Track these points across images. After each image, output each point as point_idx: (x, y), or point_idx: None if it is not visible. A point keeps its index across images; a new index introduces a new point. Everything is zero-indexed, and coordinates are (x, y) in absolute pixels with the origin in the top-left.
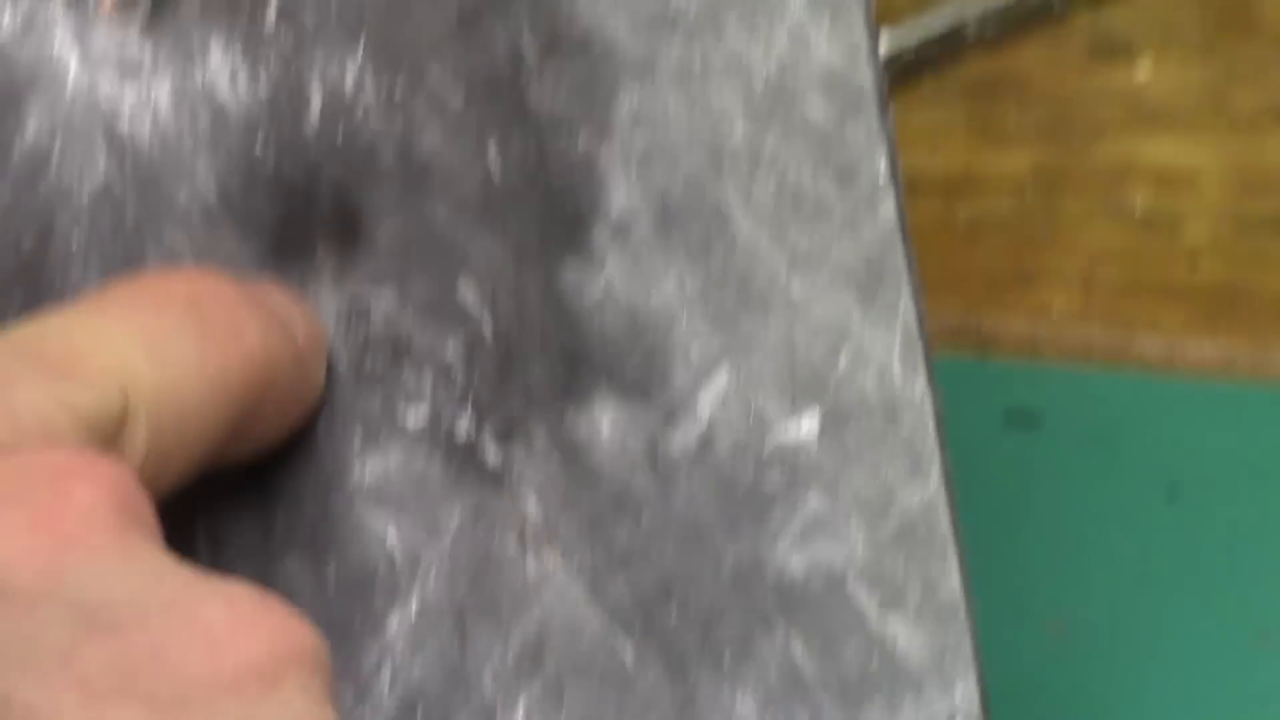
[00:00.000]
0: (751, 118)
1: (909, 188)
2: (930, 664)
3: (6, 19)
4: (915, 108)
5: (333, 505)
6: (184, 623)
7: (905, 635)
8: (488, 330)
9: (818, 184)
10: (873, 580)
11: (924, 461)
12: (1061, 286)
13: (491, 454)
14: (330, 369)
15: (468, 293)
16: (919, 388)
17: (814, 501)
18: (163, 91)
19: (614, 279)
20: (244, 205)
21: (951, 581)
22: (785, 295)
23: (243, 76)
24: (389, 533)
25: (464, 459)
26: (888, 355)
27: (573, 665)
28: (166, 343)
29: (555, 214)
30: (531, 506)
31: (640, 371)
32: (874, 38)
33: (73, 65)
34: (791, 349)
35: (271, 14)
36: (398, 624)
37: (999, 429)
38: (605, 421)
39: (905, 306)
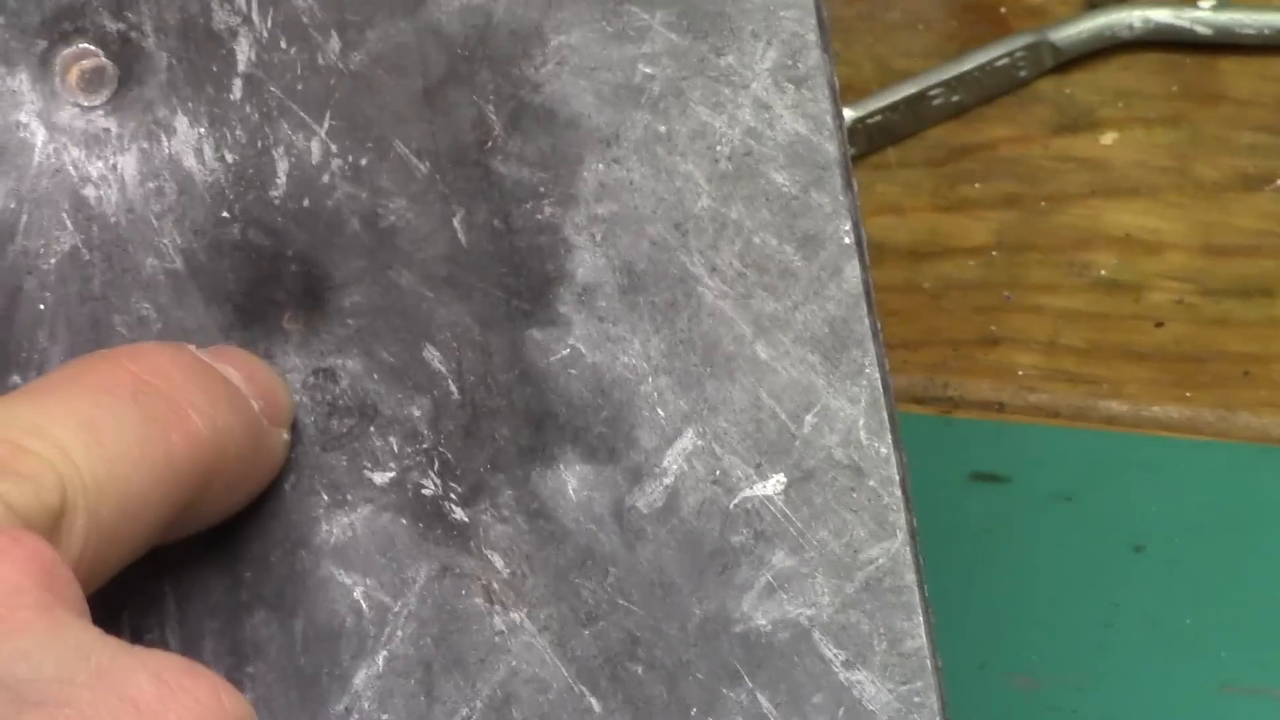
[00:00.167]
0: (717, 186)
1: (875, 253)
2: (897, 717)
3: None
4: (881, 175)
5: (300, 562)
6: (112, 696)
7: (872, 689)
8: (454, 393)
9: (783, 250)
10: (839, 635)
11: (889, 519)
12: (1026, 349)
13: (458, 512)
14: (296, 430)
15: (434, 357)
16: (884, 448)
17: (780, 558)
18: (129, 160)
19: (580, 343)
20: (210, 272)
21: (917, 636)
22: (751, 359)
23: (209, 146)
24: (356, 589)
25: (431, 517)
26: (853, 417)
27: (540, 719)
28: (108, 432)
29: (521, 280)
30: (498, 563)
31: (606, 433)
32: (838, 106)
33: (40, 135)
34: (758, 411)
35: (238, 87)
36: (365, 678)
37: (965, 487)
38: (571, 481)
39: (870, 369)
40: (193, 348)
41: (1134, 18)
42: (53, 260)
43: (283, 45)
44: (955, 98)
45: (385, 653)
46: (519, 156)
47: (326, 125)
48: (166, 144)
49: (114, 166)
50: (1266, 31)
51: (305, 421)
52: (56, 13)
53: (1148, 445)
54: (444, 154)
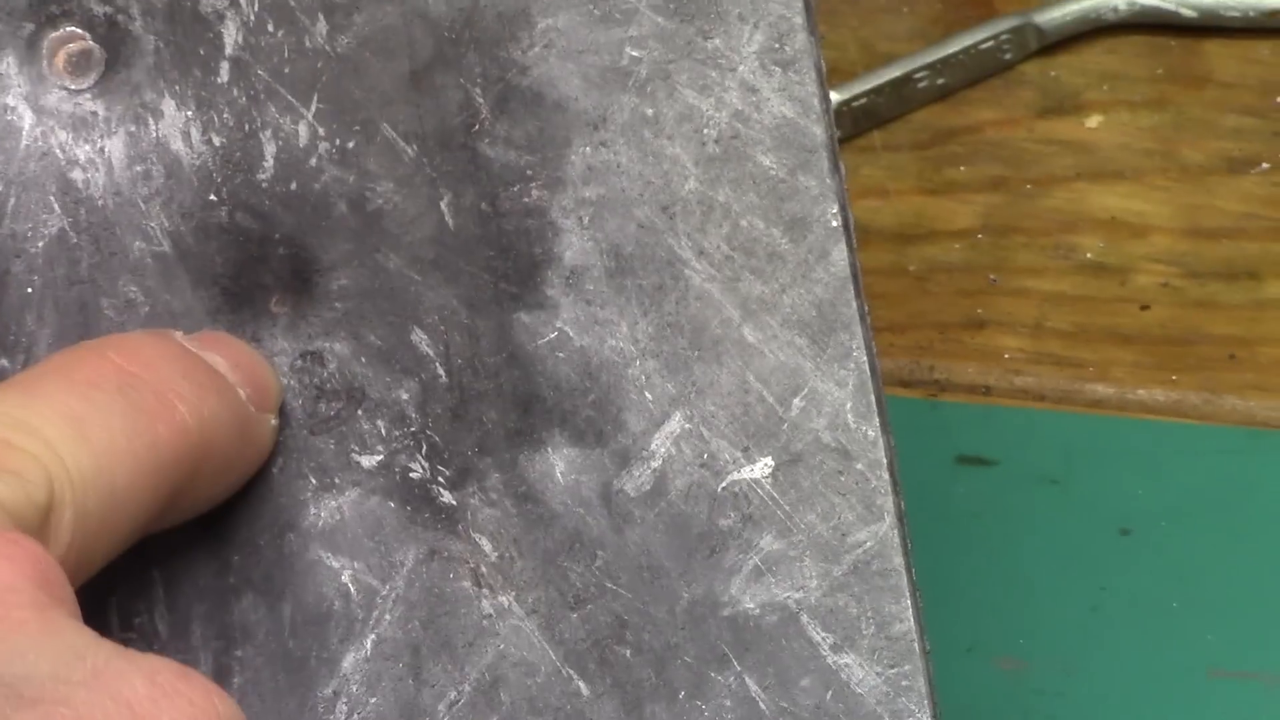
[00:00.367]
0: (704, 169)
1: (860, 236)
2: (885, 700)
3: None
4: (866, 158)
5: (288, 545)
6: (107, 696)
7: (860, 672)
8: (441, 376)
9: (770, 233)
10: (827, 618)
11: (877, 503)
12: (1012, 332)
13: (446, 495)
14: (284, 415)
15: (421, 340)
16: (872, 431)
17: (768, 541)
18: (117, 143)
19: (567, 326)
20: (198, 255)
21: (905, 619)
22: (739, 342)
23: (196, 129)
24: (344, 572)
25: (419, 500)
26: (841, 400)
27: (528, 702)
28: (94, 426)
29: (509, 263)
30: (486, 547)
31: (594, 416)
32: (824, 89)
33: (27, 118)
34: (745, 394)
35: (225, 70)
36: (353, 661)
37: (951, 471)
38: (559, 464)
39: (858, 352)
40: (179, 335)
41: (1119, 0)
42: (40, 243)
43: (270, 28)
44: (940, 80)
45: (373, 636)
46: (506, 139)
47: (314, 108)
48: (154, 127)
49: (101, 150)
50: (1251, 14)
51: (293, 405)
52: None
53: (1134, 428)
54: (431, 137)
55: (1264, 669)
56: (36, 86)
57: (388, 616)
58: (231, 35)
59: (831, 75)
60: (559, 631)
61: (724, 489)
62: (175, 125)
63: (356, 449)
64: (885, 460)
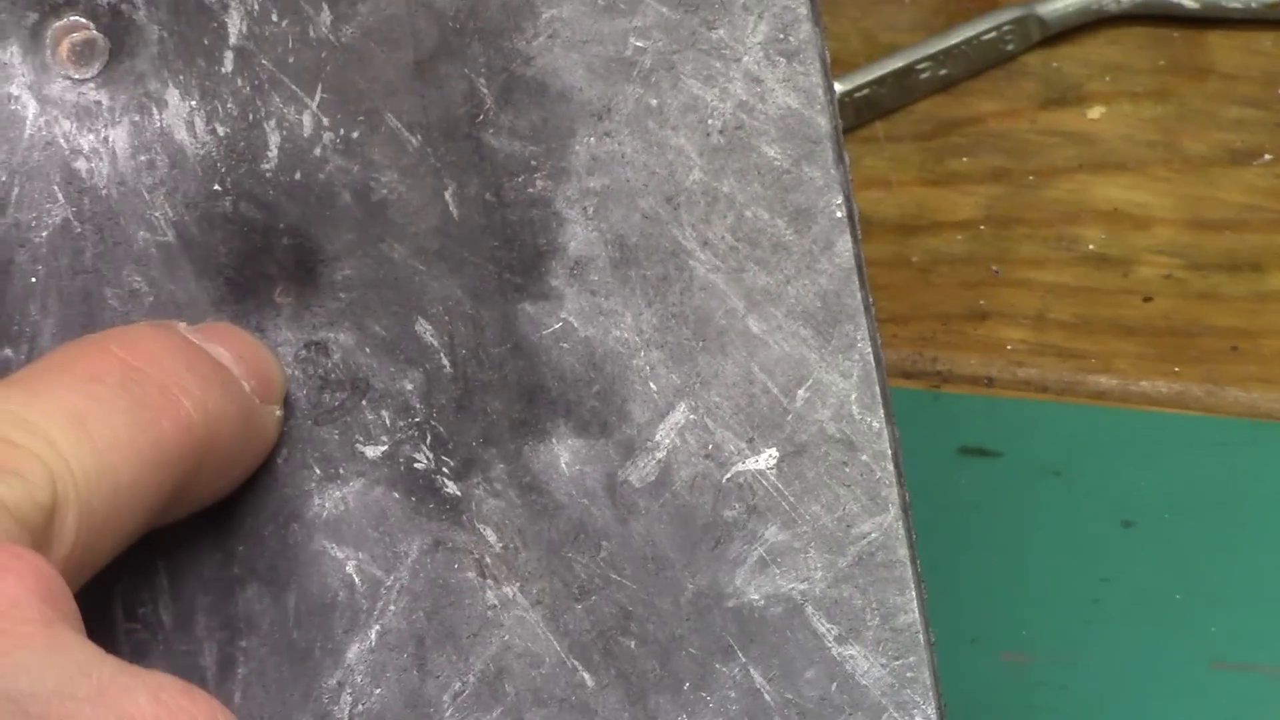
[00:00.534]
0: (708, 159)
1: (863, 227)
2: (890, 691)
3: None
4: (869, 149)
5: (292, 536)
6: (112, 713)
7: (865, 664)
8: (446, 366)
9: (774, 224)
10: (832, 609)
11: (882, 494)
12: (1015, 323)
13: (451, 486)
14: (288, 405)
15: (426, 330)
16: (877, 422)
17: (772, 533)
18: (120, 133)
19: (572, 316)
20: (202, 245)
21: (910, 611)
22: (743, 333)
23: (200, 119)
24: (348, 563)
25: (423, 491)
26: (846, 391)
27: (532, 693)
28: (96, 422)
29: (513, 253)
30: (491, 537)
31: (598, 407)
32: (829, 80)
33: (31, 107)
34: (750, 385)
35: (229, 59)
36: (357, 652)
37: (954, 462)
38: (564, 455)
39: (862, 343)
40: (183, 326)
41: None
42: (44, 233)
43: (274, 18)
44: (943, 71)
45: (378, 627)
46: (510, 130)
47: (318, 98)
48: (158, 117)
49: (105, 139)
50: (1254, 5)
51: (297, 395)
52: None
53: (1136, 420)
54: (435, 127)
55: (1266, 661)
56: (40, 76)
57: (392, 607)
58: (235, 25)
59: (834, 66)
60: (564, 622)
61: (729, 480)
62: (179, 115)
63: (361, 439)
64: (890, 451)
